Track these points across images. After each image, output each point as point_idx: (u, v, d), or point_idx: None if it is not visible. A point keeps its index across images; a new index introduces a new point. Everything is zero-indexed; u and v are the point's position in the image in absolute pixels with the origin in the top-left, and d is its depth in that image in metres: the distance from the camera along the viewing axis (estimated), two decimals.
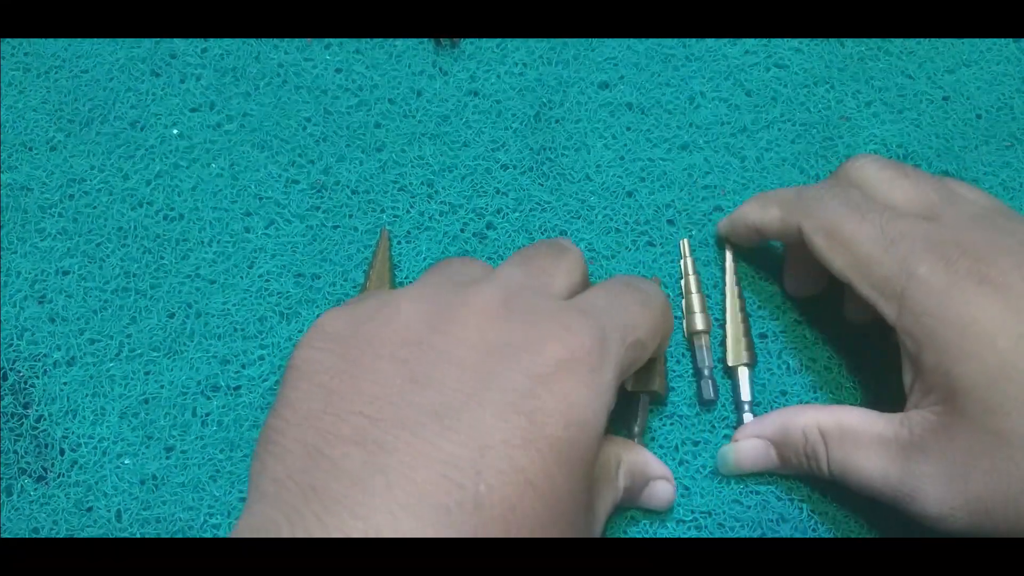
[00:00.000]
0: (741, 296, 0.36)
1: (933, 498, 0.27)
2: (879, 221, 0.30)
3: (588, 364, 0.24)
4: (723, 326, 0.36)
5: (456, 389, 0.23)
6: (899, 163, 0.34)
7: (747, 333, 0.35)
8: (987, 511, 0.26)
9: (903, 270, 0.29)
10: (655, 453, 0.34)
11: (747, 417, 0.34)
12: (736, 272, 0.37)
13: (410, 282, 0.36)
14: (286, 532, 0.21)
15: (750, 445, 0.33)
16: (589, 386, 0.24)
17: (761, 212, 0.34)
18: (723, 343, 0.36)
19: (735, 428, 0.34)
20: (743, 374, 0.35)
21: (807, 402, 0.35)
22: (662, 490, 0.31)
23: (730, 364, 0.35)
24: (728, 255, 0.37)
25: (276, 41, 0.41)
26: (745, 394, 0.34)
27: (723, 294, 0.37)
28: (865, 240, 0.30)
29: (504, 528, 0.21)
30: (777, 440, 0.32)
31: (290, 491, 0.22)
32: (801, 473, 0.32)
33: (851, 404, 0.35)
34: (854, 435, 0.30)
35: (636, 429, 0.33)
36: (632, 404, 0.33)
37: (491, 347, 0.24)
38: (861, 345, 0.36)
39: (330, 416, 0.23)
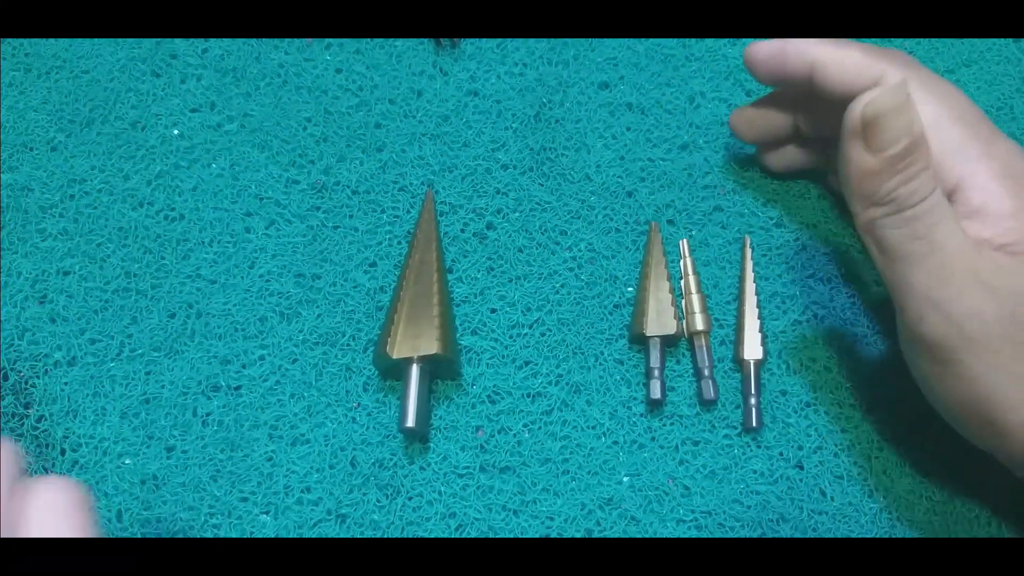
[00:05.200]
0: (755, 283, 0.37)
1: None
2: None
3: None
4: (739, 314, 0.36)
5: None
6: None
7: (762, 328, 0.36)
8: None
9: None
10: (655, 453, 0.34)
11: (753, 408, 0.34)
12: (751, 259, 0.37)
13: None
14: None
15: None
16: None
17: (835, 49, 0.30)
18: (737, 334, 0.36)
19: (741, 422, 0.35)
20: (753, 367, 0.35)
21: (807, 402, 0.35)
22: None
23: (744, 357, 0.35)
24: (747, 249, 0.37)
25: (276, 41, 0.41)
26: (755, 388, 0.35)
27: (740, 280, 0.37)
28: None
29: None
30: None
31: None
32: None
33: (850, 404, 0.35)
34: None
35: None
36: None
37: None
38: (861, 345, 0.36)
39: None
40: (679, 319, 0.35)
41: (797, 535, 0.33)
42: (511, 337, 0.36)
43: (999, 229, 0.28)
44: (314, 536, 0.33)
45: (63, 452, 0.34)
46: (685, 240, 0.38)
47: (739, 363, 0.36)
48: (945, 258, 0.27)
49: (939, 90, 0.29)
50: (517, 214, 0.38)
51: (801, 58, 0.31)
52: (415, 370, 0.33)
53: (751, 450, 0.34)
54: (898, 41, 0.42)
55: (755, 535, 0.33)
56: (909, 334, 0.28)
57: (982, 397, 0.27)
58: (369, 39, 0.41)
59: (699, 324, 0.35)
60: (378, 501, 0.33)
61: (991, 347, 0.27)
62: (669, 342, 0.36)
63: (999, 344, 0.26)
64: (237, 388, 0.35)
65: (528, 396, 0.35)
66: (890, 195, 0.27)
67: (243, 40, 0.41)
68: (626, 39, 0.42)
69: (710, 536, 0.33)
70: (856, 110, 0.26)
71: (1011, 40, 0.42)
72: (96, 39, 0.41)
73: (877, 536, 0.33)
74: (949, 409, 0.29)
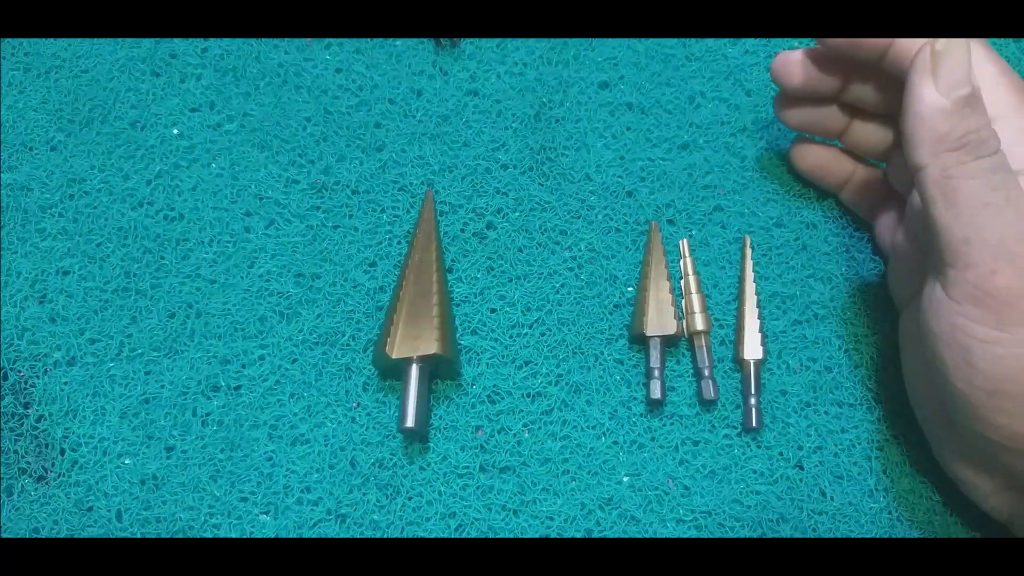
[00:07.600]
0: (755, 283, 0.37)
1: None
2: None
3: None
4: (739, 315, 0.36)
5: None
6: None
7: (762, 328, 0.36)
8: None
9: None
10: (655, 453, 0.34)
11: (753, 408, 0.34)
12: (752, 259, 0.37)
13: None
14: None
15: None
16: None
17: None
18: (736, 334, 0.36)
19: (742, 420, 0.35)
20: (753, 368, 0.35)
21: (807, 402, 0.35)
22: None
23: (745, 357, 0.35)
24: (747, 249, 0.37)
25: (276, 41, 0.41)
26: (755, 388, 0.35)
27: (740, 281, 0.37)
28: None
29: None
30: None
31: None
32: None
33: (849, 404, 0.35)
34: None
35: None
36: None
37: None
38: (860, 346, 0.36)
39: None
40: (679, 319, 0.35)
41: (797, 535, 0.33)
42: (511, 337, 0.36)
43: None
44: (314, 536, 0.33)
45: (63, 452, 0.34)
46: (685, 240, 0.38)
47: (739, 363, 0.36)
48: (1022, 210, 0.27)
49: (1000, 62, 0.31)
50: (517, 214, 0.38)
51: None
52: (415, 370, 0.33)
53: (751, 450, 0.34)
54: None
55: (755, 535, 0.33)
56: (973, 291, 0.27)
57: None
58: (369, 39, 0.41)
59: (699, 324, 0.35)
60: (378, 501, 0.33)
61: None
62: (669, 342, 0.36)
63: None
64: (237, 388, 0.35)
65: (528, 396, 0.35)
66: (965, 138, 0.27)
67: (243, 40, 0.41)
68: (626, 39, 0.42)
69: (710, 536, 0.33)
70: (926, 49, 0.28)
71: (1011, 40, 0.42)
72: (96, 39, 0.41)
73: (877, 536, 0.33)
74: (998, 384, 0.28)
